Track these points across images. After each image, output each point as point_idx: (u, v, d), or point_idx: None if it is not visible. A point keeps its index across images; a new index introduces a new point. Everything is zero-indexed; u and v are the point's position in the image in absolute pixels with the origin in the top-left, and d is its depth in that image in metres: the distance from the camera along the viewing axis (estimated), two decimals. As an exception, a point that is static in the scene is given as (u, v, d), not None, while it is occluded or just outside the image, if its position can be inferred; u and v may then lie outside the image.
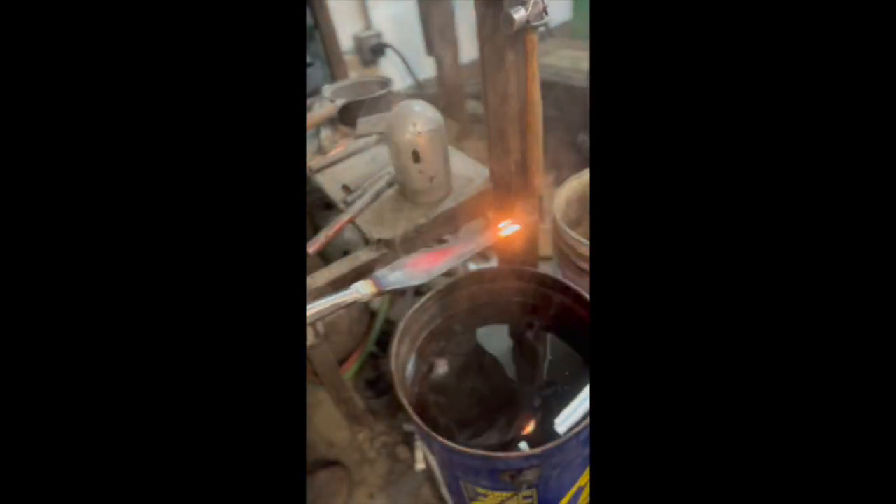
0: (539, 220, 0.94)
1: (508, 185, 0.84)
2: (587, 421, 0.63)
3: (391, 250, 0.84)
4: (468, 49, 2.09)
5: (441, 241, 1.47)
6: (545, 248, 1.28)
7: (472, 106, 2.35)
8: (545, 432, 0.73)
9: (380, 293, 0.61)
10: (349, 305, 0.58)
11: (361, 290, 0.59)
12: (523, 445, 0.71)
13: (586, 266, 0.95)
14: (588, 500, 0.85)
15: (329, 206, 1.62)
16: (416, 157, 0.81)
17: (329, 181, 1.01)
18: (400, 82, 2.20)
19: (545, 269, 0.94)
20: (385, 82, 1.23)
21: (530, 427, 0.74)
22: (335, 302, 0.56)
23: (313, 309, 0.54)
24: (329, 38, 1.69)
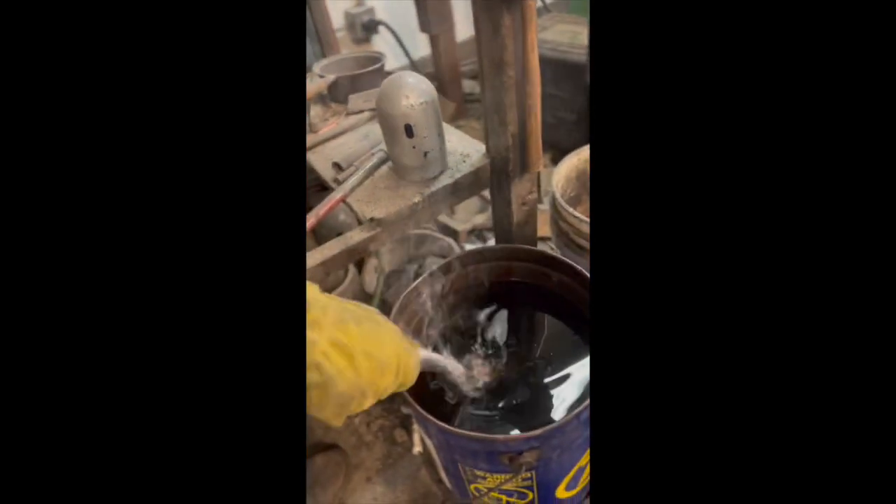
0: (536, 199, 0.91)
1: (505, 161, 0.81)
2: (586, 402, 0.61)
3: (384, 230, 0.81)
4: (463, 26, 2.04)
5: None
6: (543, 228, 1.25)
7: (469, 86, 2.30)
8: (543, 413, 0.71)
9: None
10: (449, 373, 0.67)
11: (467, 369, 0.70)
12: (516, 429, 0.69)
13: (586, 244, 0.93)
14: (587, 480, 0.84)
15: (324, 188, 1.59)
16: (409, 131, 0.78)
17: (319, 159, 0.98)
18: (393, 61, 2.14)
19: (543, 249, 0.91)
20: (378, 57, 1.19)
21: (528, 409, 0.72)
22: (444, 364, 0.66)
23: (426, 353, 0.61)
24: (320, 14, 1.63)
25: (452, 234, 1.48)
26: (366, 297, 1.29)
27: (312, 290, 0.44)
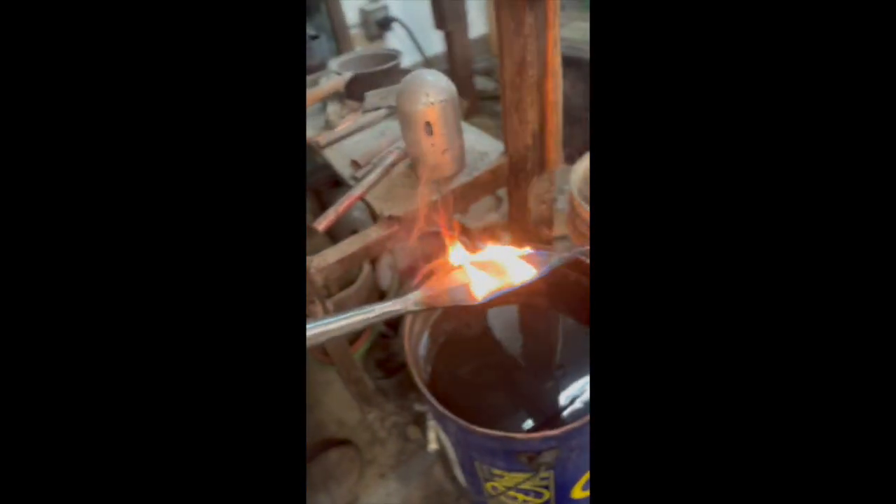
0: (553, 198, 0.91)
1: (524, 160, 0.81)
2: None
3: (402, 228, 0.81)
4: (477, 23, 2.03)
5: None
6: (560, 227, 1.25)
7: (482, 83, 2.29)
8: (559, 412, 0.71)
9: (431, 308, 0.55)
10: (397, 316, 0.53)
11: (413, 306, 0.54)
12: (528, 425, 0.69)
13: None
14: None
15: (338, 184, 1.59)
16: (429, 129, 0.78)
17: (337, 157, 0.98)
18: (407, 58, 2.13)
19: (561, 248, 0.91)
20: (394, 54, 1.19)
21: (545, 407, 0.72)
22: (385, 311, 0.51)
23: (356, 317, 0.50)
24: (335, 11, 1.64)
25: (465, 232, 1.48)
26: (380, 294, 1.29)
27: None
